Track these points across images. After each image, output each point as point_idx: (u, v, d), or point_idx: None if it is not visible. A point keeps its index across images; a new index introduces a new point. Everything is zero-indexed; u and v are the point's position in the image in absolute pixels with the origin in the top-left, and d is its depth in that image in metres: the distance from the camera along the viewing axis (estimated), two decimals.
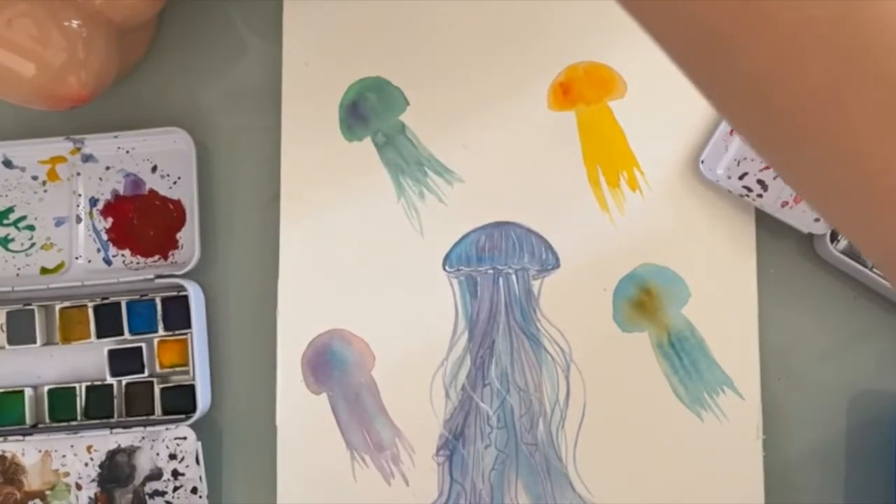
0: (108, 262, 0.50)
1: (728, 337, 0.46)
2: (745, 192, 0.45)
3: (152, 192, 0.50)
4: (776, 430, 0.46)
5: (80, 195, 0.50)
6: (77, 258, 0.50)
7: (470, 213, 0.48)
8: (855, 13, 0.20)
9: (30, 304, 0.49)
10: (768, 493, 0.45)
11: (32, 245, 0.50)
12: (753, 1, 0.21)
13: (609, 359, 0.46)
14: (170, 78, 0.51)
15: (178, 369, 0.49)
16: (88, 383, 0.49)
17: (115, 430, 0.48)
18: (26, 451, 0.48)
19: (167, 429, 0.47)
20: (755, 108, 0.23)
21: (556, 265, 0.47)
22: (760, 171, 0.45)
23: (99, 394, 0.49)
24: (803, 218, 0.45)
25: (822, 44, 0.21)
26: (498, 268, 0.48)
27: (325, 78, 0.49)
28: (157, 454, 0.47)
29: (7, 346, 0.49)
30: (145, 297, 0.49)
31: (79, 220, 0.50)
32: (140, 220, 0.50)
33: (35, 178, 0.50)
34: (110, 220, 0.50)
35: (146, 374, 0.48)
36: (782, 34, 0.21)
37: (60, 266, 0.50)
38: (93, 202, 0.50)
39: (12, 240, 0.50)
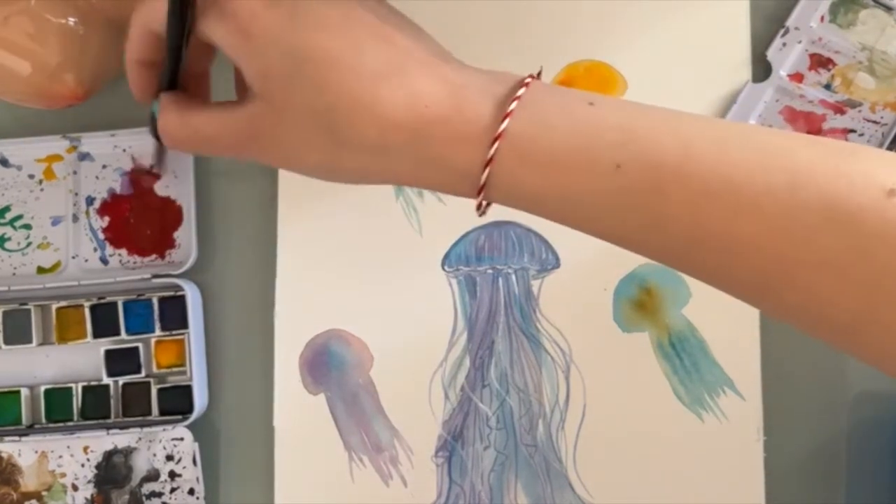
0: (104, 261, 0.49)
1: (729, 337, 0.46)
2: None
3: (149, 190, 0.50)
4: (777, 431, 0.45)
5: (76, 194, 0.50)
6: (73, 257, 0.49)
7: (469, 212, 0.47)
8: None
9: (26, 304, 0.49)
10: (769, 494, 0.44)
11: (29, 244, 0.50)
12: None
13: (609, 359, 0.46)
14: None
15: (175, 370, 0.49)
16: (85, 384, 0.48)
17: (111, 431, 0.47)
18: (22, 451, 0.48)
19: (164, 430, 0.47)
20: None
21: (556, 265, 0.47)
22: None
23: (95, 394, 0.48)
24: None
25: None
26: (497, 267, 0.47)
27: None
28: (154, 455, 0.47)
29: (3, 346, 0.49)
30: (142, 297, 0.49)
31: (75, 219, 0.50)
32: (137, 220, 0.49)
33: (31, 176, 0.50)
34: (107, 219, 0.50)
35: (143, 374, 0.48)
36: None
37: (57, 265, 0.49)
38: (89, 201, 0.50)
39: (9, 239, 0.50)
